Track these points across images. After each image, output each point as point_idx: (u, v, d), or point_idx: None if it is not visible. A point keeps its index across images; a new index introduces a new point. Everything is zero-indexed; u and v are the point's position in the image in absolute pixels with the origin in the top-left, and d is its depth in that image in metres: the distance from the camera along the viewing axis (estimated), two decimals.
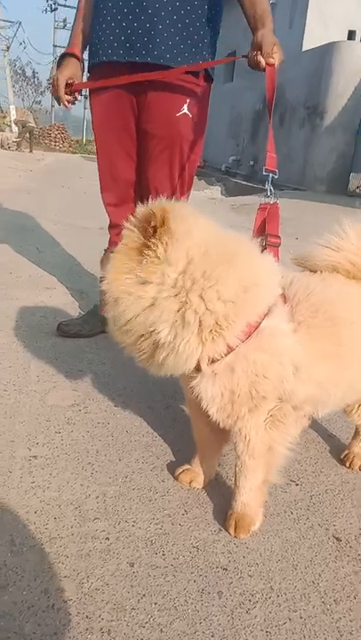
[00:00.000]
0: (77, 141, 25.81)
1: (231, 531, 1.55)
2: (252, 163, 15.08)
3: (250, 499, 1.57)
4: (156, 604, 1.30)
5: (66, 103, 2.50)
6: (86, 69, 2.53)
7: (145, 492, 1.70)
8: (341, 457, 1.98)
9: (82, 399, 2.24)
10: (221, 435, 1.73)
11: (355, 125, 11.00)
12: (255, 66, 2.16)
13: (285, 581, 1.42)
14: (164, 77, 2.30)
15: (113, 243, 2.85)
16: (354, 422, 1.92)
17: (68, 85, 2.43)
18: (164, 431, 2.06)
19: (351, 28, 12.49)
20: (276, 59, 2.10)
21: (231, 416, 1.47)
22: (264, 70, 2.12)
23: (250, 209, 7.66)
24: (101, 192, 2.74)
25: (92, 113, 2.58)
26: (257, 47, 2.14)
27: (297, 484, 1.83)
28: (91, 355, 2.68)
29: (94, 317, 2.93)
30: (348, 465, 1.95)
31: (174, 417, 2.18)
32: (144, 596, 1.32)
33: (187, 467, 1.79)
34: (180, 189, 2.55)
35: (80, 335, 2.86)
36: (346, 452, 1.99)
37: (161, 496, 1.69)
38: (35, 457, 1.82)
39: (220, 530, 1.57)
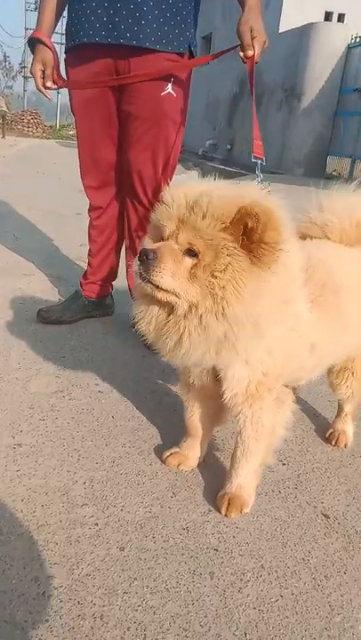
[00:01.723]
0: (51, 127, 25.30)
1: (223, 510, 1.54)
2: (229, 147, 15.00)
3: (247, 481, 1.57)
4: (147, 587, 1.30)
5: (47, 95, 2.45)
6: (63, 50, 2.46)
7: (133, 476, 1.69)
8: (326, 435, 2.00)
9: (65, 386, 2.21)
10: (214, 418, 1.75)
11: (332, 107, 10.99)
12: (240, 58, 2.15)
13: (276, 559, 1.42)
14: (159, 73, 2.27)
15: (93, 226, 2.81)
16: (341, 396, 1.92)
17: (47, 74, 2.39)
18: (150, 415, 2.05)
19: (328, 9, 12.42)
20: (256, 47, 2.08)
21: (251, 397, 1.46)
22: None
23: None
24: (81, 175, 2.69)
25: (70, 95, 2.51)
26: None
27: (284, 464, 1.83)
28: (72, 341, 2.64)
29: (75, 303, 2.89)
30: (333, 443, 1.96)
31: (160, 400, 2.16)
32: (135, 579, 1.31)
33: (175, 449, 1.78)
34: (163, 172, 2.51)
35: (61, 321, 2.82)
36: (330, 430, 2.00)
37: (149, 479, 1.68)
38: (19, 445, 1.79)
39: (210, 511, 1.57)
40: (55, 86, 2.46)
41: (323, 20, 12.05)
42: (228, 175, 11.76)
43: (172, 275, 1.26)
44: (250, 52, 2.08)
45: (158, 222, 1.35)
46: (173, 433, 1.89)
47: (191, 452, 1.77)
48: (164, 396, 2.20)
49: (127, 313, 2.97)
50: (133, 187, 2.55)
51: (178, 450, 1.78)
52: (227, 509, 1.54)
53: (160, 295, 1.31)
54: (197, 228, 1.26)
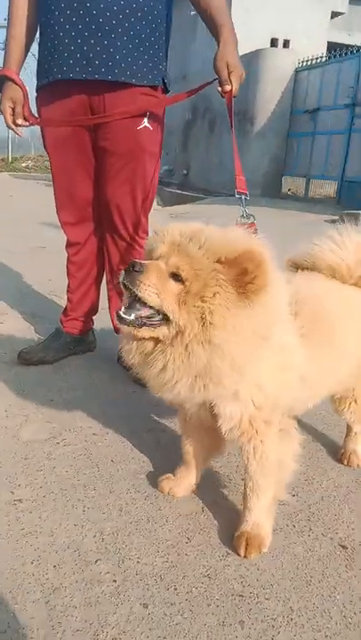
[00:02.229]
0: (2, 159, 25.09)
1: (241, 551, 1.50)
2: (185, 172, 15.21)
3: (262, 518, 1.54)
4: None
5: (18, 132, 2.42)
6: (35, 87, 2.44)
7: (143, 524, 1.62)
8: (338, 457, 2.01)
9: (58, 431, 2.12)
10: (211, 449, 1.74)
11: (284, 129, 11.32)
12: (219, 93, 2.21)
13: (303, 600, 1.38)
14: (137, 111, 2.28)
15: (71, 262, 2.76)
16: (346, 420, 1.94)
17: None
18: (150, 456, 1.99)
19: (274, 36, 12.88)
20: (233, 81, 2.13)
21: (247, 433, 1.46)
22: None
23: (188, 217, 7.69)
24: (57, 211, 2.65)
25: (43, 133, 2.48)
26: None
27: (293, 495, 1.80)
28: (59, 382, 2.56)
29: (57, 341, 2.82)
30: (345, 463, 1.98)
31: (157, 440, 2.10)
32: (165, 638, 1.25)
33: (168, 475, 1.78)
34: (142, 206, 2.50)
35: (44, 361, 2.74)
36: (342, 450, 2.02)
37: (160, 526, 1.62)
38: (19, 500, 1.70)
39: (228, 554, 1.52)
40: (27, 123, 2.43)
41: (269, 46, 12.47)
42: (185, 200, 11.89)
43: (157, 292, 1.28)
44: (228, 87, 2.13)
45: (150, 247, 1.39)
46: (171, 472, 1.84)
47: (184, 480, 1.76)
48: (161, 434, 2.15)
49: (110, 347, 2.96)
50: (113, 221, 2.52)
51: (170, 476, 1.78)
52: (246, 550, 1.50)
53: (145, 334, 1.32)
54: (190, 256, 1.29)
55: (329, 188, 11.20)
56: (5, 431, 2.10)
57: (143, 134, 2.35)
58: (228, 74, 2.13)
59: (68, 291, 2.83)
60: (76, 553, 1.49)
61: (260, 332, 1.32)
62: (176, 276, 1.28)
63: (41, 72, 2.33)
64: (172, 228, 1.36)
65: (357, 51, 10.22)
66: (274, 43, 12.84)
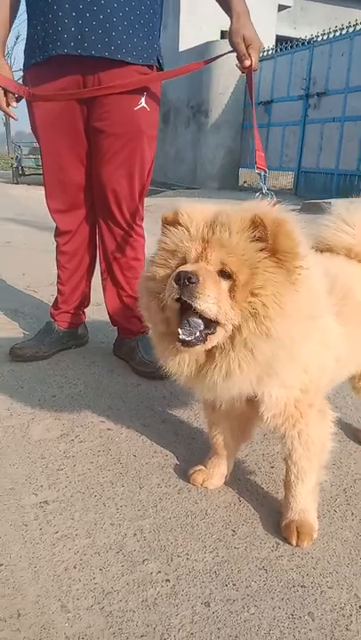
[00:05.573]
0: None
1: (293, 541, 1.44)
2: None
3: (307, 505, 1.49)
4: None
5: (13, 115, 2.26)
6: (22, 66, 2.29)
7: (183, 519, 1.54)
8: (360, 439, 1.99)
9: (69, 428, 2.00)
10: (240, 436, 1.68)
11: (239, 121, 11.34)
12: (238, 68, 2.17)
13: None
14: (137, 84, 2.17)
15: (61, 252, 2.62)
16: None
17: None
18: (172, 448, 1.90)
19: (223, 28, 12.87)
20: (253, 55, 2.06)
21: (292, 418, 1.40)
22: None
23: (153, 210, 7.59)
24: (46, 198, 2.51)
25: (32, 114, 2.33)
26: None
27: (326, 480, 1.75)
28: (58, 377, 2.43)
29: (49, 336, 2.68)
30: None
31: (175, 431, 2.02)
32: (237, 637, 1.17)
33: (200, 467, 1.71)
34: (139, 193, 2.39)
35: (37, 357, 2.59)
36: None
37: (201, 520, 1.54)
38: (45, 502, 1.58)
39: (278, 544, 1.46)
40: (17, 105, 2.28)
41: (219, 38, 12.47)
42: (152, 192, 11.77)
43: (215, 301, 1.18)
44: (247, 62, 2.06)
45: (176, 246, 1.27)
46: (201, 461, 1.76)
47: (216, 470, 1.69)
48: (178, 425, 2.06)
49: (103, 340, 2.84)
50: (108, 207, 2.41)
51: (202, 467, 1.70)
52: (298, 539, 1.44)
53: (210, 345, 1.23)
54: (226, 246, 1.20)
55: (284, 180, 11.33)
56: (13, 431, 1.96)
57: (141, 115, 2.25)
58: (246, 47, 2.05)
59: (58, 283, 2.69)
60: (120, 554, 1.39)
61: (308, 310, 1.26)
62: (224, 273, 1.20)
63: (32, 49, 2.18)
64: (195, 217, 1.25)
65: (308, 42, 10.35)
66: (224, 35, 12.85)
